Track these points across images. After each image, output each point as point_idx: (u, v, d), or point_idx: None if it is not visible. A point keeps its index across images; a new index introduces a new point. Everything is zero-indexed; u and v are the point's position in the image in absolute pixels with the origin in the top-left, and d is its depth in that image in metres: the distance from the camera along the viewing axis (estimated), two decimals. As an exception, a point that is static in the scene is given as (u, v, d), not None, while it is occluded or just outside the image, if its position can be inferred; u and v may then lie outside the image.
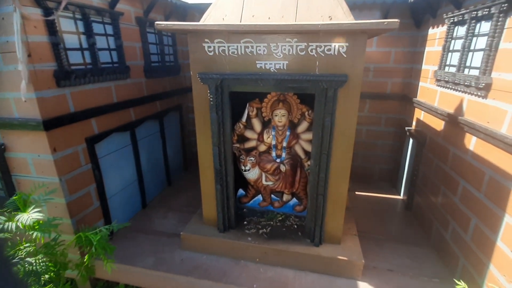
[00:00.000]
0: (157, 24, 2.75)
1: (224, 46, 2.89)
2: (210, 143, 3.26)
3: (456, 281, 2.48)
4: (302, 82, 2.76)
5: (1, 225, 2.55)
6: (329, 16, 2.72)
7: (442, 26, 3.92)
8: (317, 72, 2.78)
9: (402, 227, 4.31)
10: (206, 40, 2.91)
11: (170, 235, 4.01)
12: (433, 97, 4.04)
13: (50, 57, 2.93)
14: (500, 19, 2.66)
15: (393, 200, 5.12)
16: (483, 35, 2.97)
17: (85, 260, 2.91)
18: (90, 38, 3.35)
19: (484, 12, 2.88)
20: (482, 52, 2.93)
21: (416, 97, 4.66)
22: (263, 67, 2.88)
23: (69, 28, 3.14)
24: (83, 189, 3.46)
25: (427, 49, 4.41)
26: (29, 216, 2.57)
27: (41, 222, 2.67)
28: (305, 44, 2.71)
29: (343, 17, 2.69)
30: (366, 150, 5.68)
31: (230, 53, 2.90)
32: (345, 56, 2.68)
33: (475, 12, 3.03)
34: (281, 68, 2.85)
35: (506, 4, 2.57)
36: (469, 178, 3.09)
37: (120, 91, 3.94)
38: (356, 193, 5.31)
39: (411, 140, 4.84)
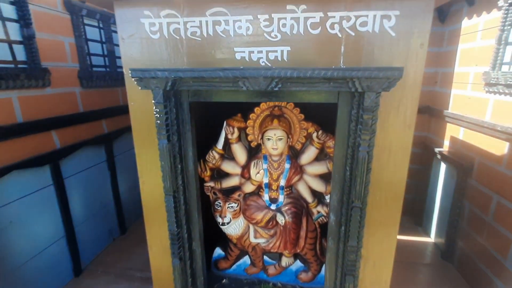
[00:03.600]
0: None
1: (179, 23, 1.65)
2: (160, 188, 1.93)
3: None
4: (317, 82, 1.53)
5: None
6: (361, -32, 1.56)
7: (488, 13, 2.89)
8: (342, 65, 1.57)
9: (449, 290, 3.05)
10: (146, 12, 1.66)
11: (107, 328, 2.56)
12: (482, 108, 2.94)
13: None
14: None
15: (422, 245, 3.89)
16: None
17: None
18: (-40, 19, 2.04)
19: None
20: None
21: (447, 109, 3.57)
22: (247, 58, 1.66)
23: None
24: None
25: (461, 46, 3.38)
26: None
27: None
28: (321, 14, 1.51)
29: (385, -32, 1.54)
30: (379, 177, 4.49)
31: (189, 34, 1.66)
32: (393, 34, 1.50)
33: None
34: (279, 58, 1.63)
35: None
36: None
37: (30, 106, 2.58)
38: (373, 235, 4.05)
39: (443, 165, 3.70)
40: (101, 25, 3.50)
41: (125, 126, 3.92)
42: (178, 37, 1.67)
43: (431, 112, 3.96)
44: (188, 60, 1.70)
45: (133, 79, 1.65)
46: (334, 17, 1.51)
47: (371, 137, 1.57)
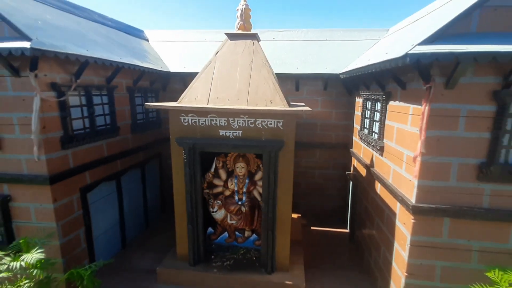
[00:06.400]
0: (146, 105, 3.75)
1: (196, 119, 3.92)
2: (184, 191, 4.11)
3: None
4: (253, 146, 3.81)
5: (7, 265, 3.14)
6: (270, 100, 3.88)
7: (360, 98, 5.28)
8: (263, 139, 3.85)
9: (345, 257, 5.20)
10: (182, 114, 3.93)
11: (147, 271, 4.60)
12: (360, 150, 5.25)
13: (59, 127, 3.79)
14: (384, 103, 3.96)
15: (341, 234, 6.06)
16: (379, 111, 4.27)
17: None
18: (90, 109, 4.27)
19: (377, 97, 4.19)
20: (378, 123, 4.19)
21: (352, 148, 5.89)
22: (224, 135, 3.92)
23: (75, 103, 4.06)
24: (74, 232, 4.09)
25: (355, 112, 5.76)
26: (33, 256, 3.19)
27: (42, 261, 3.29)
28: (254, 119, 3.81)
29: (280, 101, 3.86)
30: (320, 190, 6.74)
31: (200, 124, 3.93)
32: (282, 128, 3.79)
33: (374, 95, 4.36)
34: (237, 135, 3.90)
35: (384, 96, 3.88)
36: (379, 215, 4.14)
37: (110, 147, 4.78)
38: (312, 228, 6.22)
39: (351, 182, 5.96)
40: (142, 95, 5.79)
41: (151, 155, 6.12)
42: (195, 125, 3.92)
43: (347, 149, 6.28)
44: (200, 134, 3.95)
45: (176, 143, 3.89)
46: (259, 121, 3.79)
47: (275, 169, 3.82)
